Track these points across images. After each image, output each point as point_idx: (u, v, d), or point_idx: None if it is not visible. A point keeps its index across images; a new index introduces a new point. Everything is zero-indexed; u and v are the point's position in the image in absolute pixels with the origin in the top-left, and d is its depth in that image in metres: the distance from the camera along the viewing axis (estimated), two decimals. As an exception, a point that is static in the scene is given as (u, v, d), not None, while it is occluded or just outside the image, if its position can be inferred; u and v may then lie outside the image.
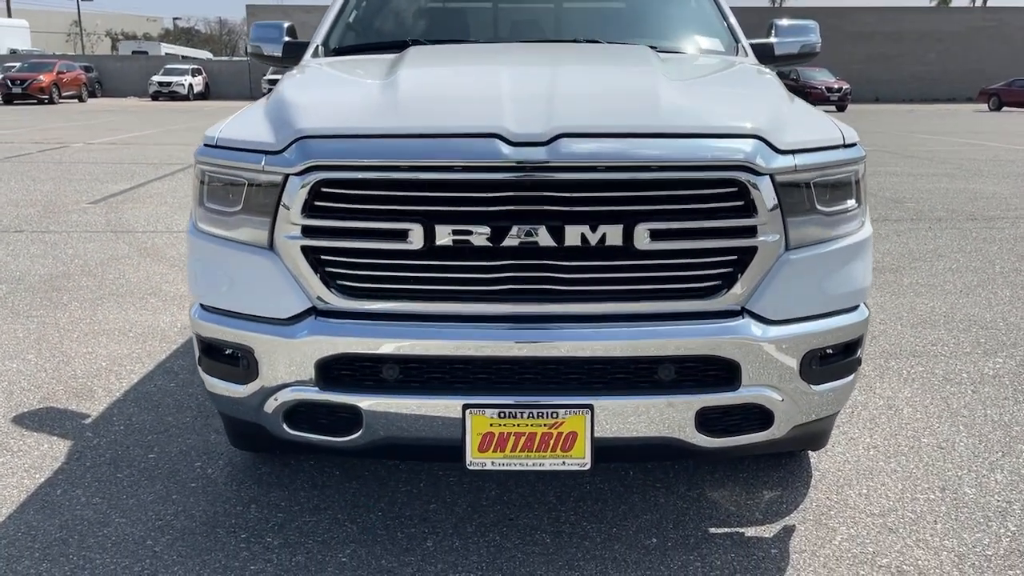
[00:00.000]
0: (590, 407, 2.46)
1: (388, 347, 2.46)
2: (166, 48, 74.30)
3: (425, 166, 2.38)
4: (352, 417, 2.54)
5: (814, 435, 2.95)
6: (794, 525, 2.96)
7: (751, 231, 2.46)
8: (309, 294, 2.51)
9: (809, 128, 2.72)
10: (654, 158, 2.39)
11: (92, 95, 43.84)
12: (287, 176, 2.46)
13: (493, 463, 2.49)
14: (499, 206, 2.38)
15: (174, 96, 44.81)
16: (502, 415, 2.46)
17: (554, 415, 2.46)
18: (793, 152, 2.52)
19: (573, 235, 2.38)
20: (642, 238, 2.40)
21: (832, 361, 2.69)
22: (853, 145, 2.72)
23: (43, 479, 3.29)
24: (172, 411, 3.94)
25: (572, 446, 2.48)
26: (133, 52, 66.88)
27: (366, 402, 2.50)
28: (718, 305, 2.50)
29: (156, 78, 45.35)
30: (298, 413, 2.60)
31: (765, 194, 2.44)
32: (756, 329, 2.50)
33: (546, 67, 2.88)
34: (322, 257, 2.49)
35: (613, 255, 2.42)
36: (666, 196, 2.41)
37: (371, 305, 2.49)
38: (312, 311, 2.52)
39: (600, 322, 2.47)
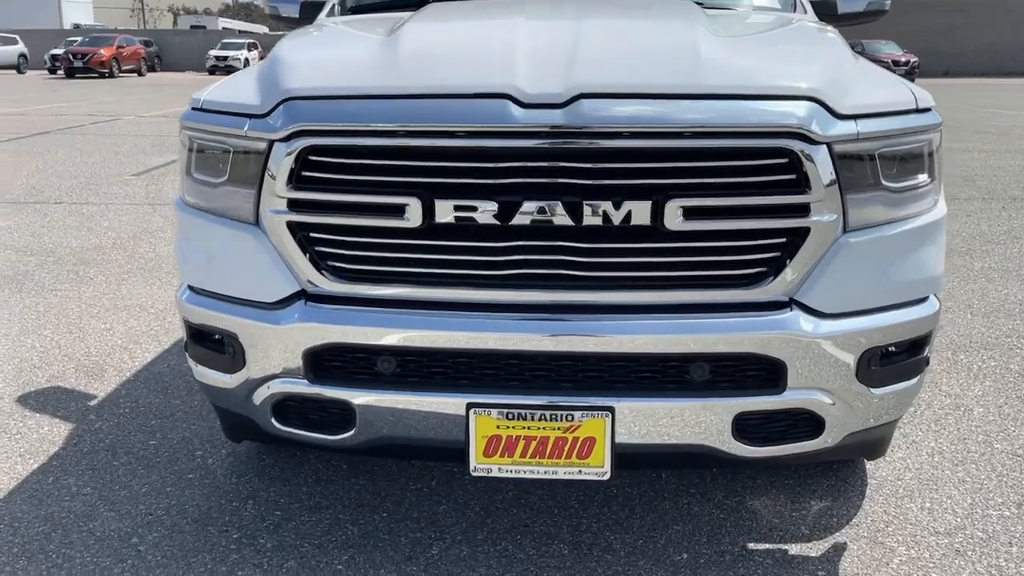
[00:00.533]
0: (611, 410, 2.15)
1: (383, 337, 2.18)
2: (223, 23, 75.02)
3: (424, 131, 2.09)
4: (345, 413, 2.27)
5: (871, 443, 2.60)
6: (845, 543, 2.62)
7: (803, 209, 2.12)
8: (298, 276, 2.23)
9: (875, 89, 2.35)
10: (689, 122, 2.05)
11: (151, 69, 44.35)
12: (272, 143, 2.18)
13: (500, 469, 2.21)
14: (508, 178, 2.07)
15: (230, 70, 45.04)
16: (510, 416, 2.16)
17: (569, 418, 2.16)
18: (856, 117, 2.16)
19: (593, 213, 2.06)
20: (674, 217, 2.07)
21: (895, 360, 2.33)
22: (927, 110, 2.34)
23: (37, 465, 3.10)
24: (181, 394, 3.73)
25: (590, 453, 2.18)
26: (191, 27, 67.67)
27: (360, 398, 2.23)
28: (763, 295, 2.17)
29: (213, 52, 45.63)
30: (287, 407, 2.34)
31: (821, 166, 2.09)
32: (806, 323, 2.16)
33: (572, 20, 2.54)
34: (311, 235, 2.21)
35: (640, 236, 2.10)
36: (703, 168, 2.08)
37: (365, 290, 2.21)
38: (301, 295, 2.25)
39: (624, 313, 2.16)
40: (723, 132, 2.06)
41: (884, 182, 2.23)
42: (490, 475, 2.21)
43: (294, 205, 2.19)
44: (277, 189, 2.18)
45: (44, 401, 3.67)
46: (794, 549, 2.59)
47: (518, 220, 2.07)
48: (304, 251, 2.21)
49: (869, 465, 3.07)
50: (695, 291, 2.15)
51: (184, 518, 2.76)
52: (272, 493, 2.91)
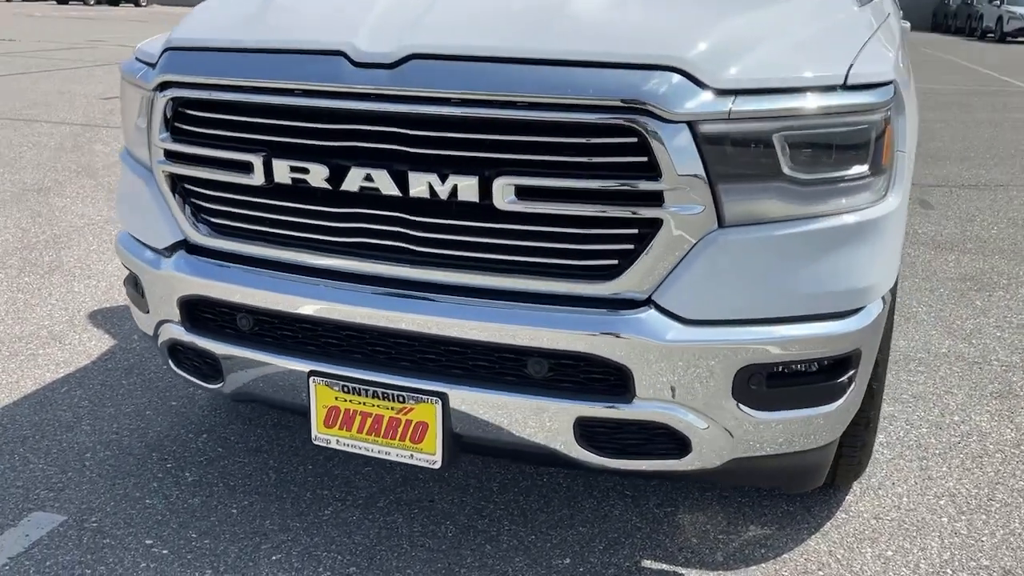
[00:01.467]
0: (443, 396, 2.02)
1: (236, 294, 2.18)
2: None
3: (266, 88, 2.04)
4: (214, 364, 2.31)
5: (790, 472, 2.25)
6: (758, 581, 2.30)
7: (656, 198, 1.84)
8: (181, 225, 2.28)
9: (797, 58, 1.97)
10: (522, 91, 1.83)
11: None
12: (153, 92, 2.22)
13: (339, 442, 2.15)
14: (339, 141, 1.98)
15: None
16: (347, 389, 2.10)
17: (401, 399, 2.06)
18: (736, 92, 1.83)
19: (419, 184, 1.92)
20: (503, 196, 1.88)
21: (796, 382, 1.99)
22: (870, 87, 1.94)
23: (62, 375, 3.44)
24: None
25: (422, 438, 2.07)
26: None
27: (221, 350, 2.25)
28: (612, 291, 1.92)
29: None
30: (178, 352, 2.41)
31: (675, 149, 1.80)
32: (662, 328, 1.89)
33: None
34: (186, 186, 2.24)
35: (470, 214, 1.93)
36: (536, 143, 1.86)
37: (228, 245, 2.21)
38: (183, 244, 2.29)
39: (464, 295, 2.00)
40: (559, 104, 1.82)
41: (787, 172, 1.88)
42: (329, 446, 2.16)
43: (170, 156, 2.22)
44: (156, 139, 2.23)
45: (107, 319, 4.04)
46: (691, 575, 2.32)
47: (347, 186, 1.97)
48: (182, 202, 2.25)
49: (851, 495, 2.67)
50: (535, 279, 1.95)
51: (140, 442, 2.95)
52: (228, 431, 3.03)
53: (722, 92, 1.82)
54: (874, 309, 2.03)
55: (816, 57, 1.99)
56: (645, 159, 1.81)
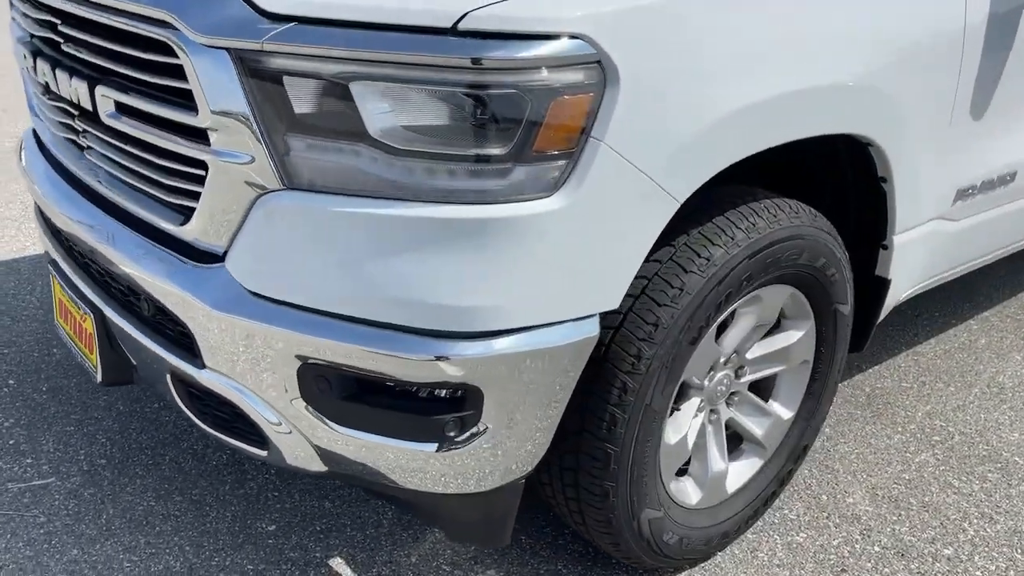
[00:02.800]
0: (97, 312, 1.93)
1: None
2: None
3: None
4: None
5: (442, 516, 1.78)
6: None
7: (200, 135, 1.53)
8: None
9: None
10: (114, -7, 1.61)
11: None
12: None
13: (64, 335, 2.18)
14: (34, 28, 1.93)
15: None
16: (61, 285, 2.10)
17: (79, 306, 2.01)
18: (292, 19, 1.42)
19: (64, 85, 1.80)
20: (104, 108, 1.70)
21: (377, 403, 1.57)
22: (512, 39, 1.39)
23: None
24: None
25: (91, 349, 2.01)
26: None
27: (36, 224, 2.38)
28: (191, 236, 1.66)
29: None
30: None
31: (205, 78, 1.47)
32: (218, 293, 1.60)
33: None
34: None
35: (96, 124, 1.77)
36: (114, 54, 1.65)
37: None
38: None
39: (106, 207, 1.87)
40: (120, 9, 1.57)
41: (374, 135, 1.43)
42: (60, 336, 2.20)
43: None
44: None
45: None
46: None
47: (40, 77, 1.92)
48: None
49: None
50: (142, 209, 1.75)
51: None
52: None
53: (273, 17, 1.42)
54: (507, 343, 1.50)
55: None
56: (186, 85, 1.50)
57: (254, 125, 1.46)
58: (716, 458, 2.05)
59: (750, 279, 1.80)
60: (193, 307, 1.61)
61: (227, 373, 1.64)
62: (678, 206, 1.59)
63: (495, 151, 1.42)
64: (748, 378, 2.07)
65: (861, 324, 2.31)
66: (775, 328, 2.09)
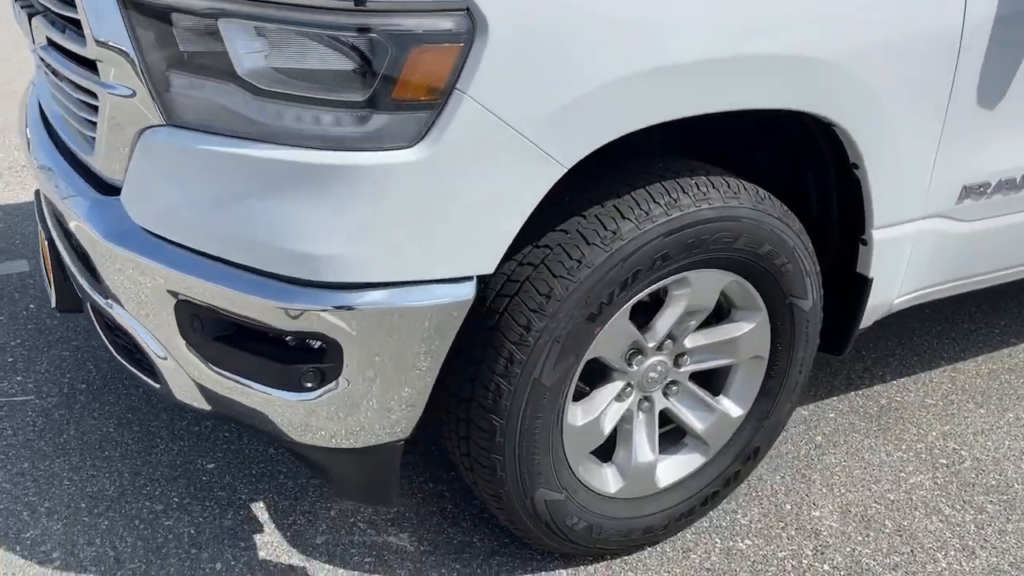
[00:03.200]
0: (51, 239, 2.02)
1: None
2: None
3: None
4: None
5: (326, 468, 1.76)
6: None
7: (90, 66, 1.57)
8: None
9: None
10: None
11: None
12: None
13: (41, 261, 2.29)
14: None
15: None
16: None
17: (41, 232, 2.11)
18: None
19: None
20: (39, 38, 1.77)
21: (242, 346, 1.58)
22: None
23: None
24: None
25: (49, 273, 2.11)
26: None
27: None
28: (96, 168, 1.71)
29: None
30: None
31: (92, 9, 1.51)
32: (108, 220, 1.64)
33: None
34: None
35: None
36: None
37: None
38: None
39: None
40: None
41: (241, 74, 1.42)
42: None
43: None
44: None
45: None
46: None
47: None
48: None
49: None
50: (70, 142, 1.81)
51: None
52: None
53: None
54: (367, 298, 1.46)
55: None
56: (76, 15, 1.53)
57: (134, 58, 1.47)
58: (644, 448, 1.94)
59: (666, 259, 1.68)
60: (90, 236, 1.66)
61: (123, 304, 1.68)
62: (563, 171, 1.50)
63: (354, 97, 1.38)
64: (689, 368, 1.95)
65: (841, 325, 2.13)
66: (725, 318, 1.95)
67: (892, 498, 2.29)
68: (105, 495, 2.10)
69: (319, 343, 1.51)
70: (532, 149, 1.45)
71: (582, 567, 1.98)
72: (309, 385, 1.54)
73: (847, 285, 2.08)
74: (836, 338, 2.16)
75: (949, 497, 2.30)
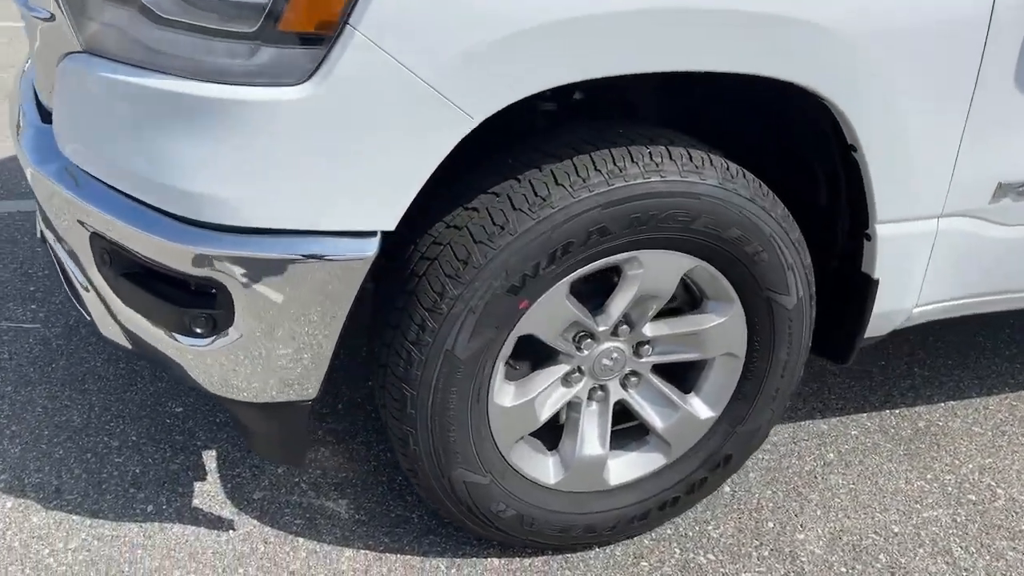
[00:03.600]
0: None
1: None
2: None
3: None
4: None
5: (240, 421, 1.69)
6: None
7: None
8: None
9: None
10: None
11: None
12: None
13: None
14: None
15: None
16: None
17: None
18: None
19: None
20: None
21: (141, 283, 1.53)
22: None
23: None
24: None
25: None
26: None
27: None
28: (40, 97, 1.70)
29: None
30: None
31: None
32: (36, 148, 1.64)
33: None
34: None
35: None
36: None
37: None
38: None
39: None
40: None
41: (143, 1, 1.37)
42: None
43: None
44: None
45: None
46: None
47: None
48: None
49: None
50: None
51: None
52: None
53: None
54: (254, 244, 1.38)
55: None
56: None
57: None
58: (592, 440, 1.79)
59: (604, 233, 1.52)
60: (24, 161, 1.66)
61: (56, 231, 1.67)
62: (474, 123, 1.37)
63: (243, 28, 1.30)
64: (651, 359, 1.77)
65: (846, 331, 1.90)
66: (696, 308, 1.77)
67: (896, 531, 2.04)
68: (70, 425, 2.13)
69: (209, 288, 1.45)
70: (435, 97, 1.33)
71: (517, 558, 1.85)
72: (199, 331, 1.48)
73: (851, 285, 1.85)
74: (839, 344, 1.93)
75: (965, 538, 2.03)
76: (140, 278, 1.53)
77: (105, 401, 2.23)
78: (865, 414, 2.45)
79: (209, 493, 1.96)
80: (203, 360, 1.52)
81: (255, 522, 1.89)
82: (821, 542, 1.98)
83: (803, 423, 2.39)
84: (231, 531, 1.86)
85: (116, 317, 1.62)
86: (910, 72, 1.57)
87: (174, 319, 1.49)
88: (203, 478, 2.00)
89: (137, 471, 2.01)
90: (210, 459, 2.06)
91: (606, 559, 1.88)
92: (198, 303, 1.48)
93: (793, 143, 1.87)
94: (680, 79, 1.51)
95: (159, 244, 1.42)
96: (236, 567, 1.77)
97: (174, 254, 1.41)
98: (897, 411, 2.47)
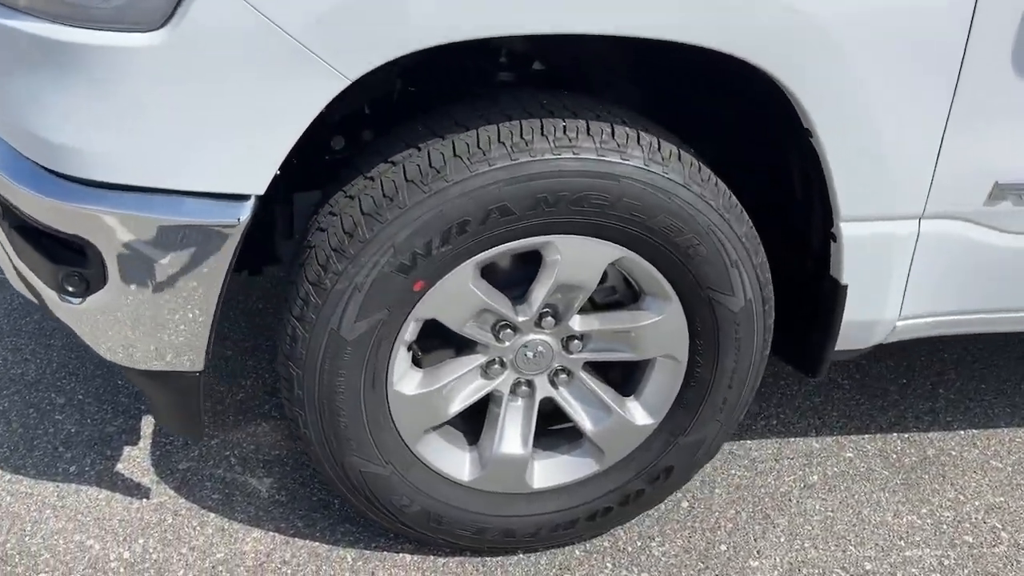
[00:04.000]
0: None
1: None
2: None
3: None
4: None
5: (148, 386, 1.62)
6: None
7: None
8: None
9: None
10: None
11: None
12: None
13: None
14: None
15: None
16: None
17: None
18: None
19: None
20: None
21: (26, 236, 1.48)
22: None
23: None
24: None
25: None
26: None
27: None
28: None
29: None
30: None
31: None
32: None
33: None
34: None
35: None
36: None
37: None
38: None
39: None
40: None
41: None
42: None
43: None
44: None
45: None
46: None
47: None
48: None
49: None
50: None
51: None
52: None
53: None
54: (116, 200, 1.31)
55: None
56: None
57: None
58: (512, 438, 1.65)
59: (505, 212, 1.38)
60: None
61: None
62: (347, 82, 1.25)
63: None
64: (582, 356, 1.62)
65: (814, 340, 1.70)
66: (633, 304, 1.61)
67: (868, 568, 1.82)
68: (24, 379, 2.13)
69: (78, 245, 1.38)
70: (300, 52, 1.22)
71: (431, 557, 1.74)
72: (71, 290, 1.42)
73: (818, 290, 1.65)
74: (808, 354, 1.73)
75: (948, 584, 1.80)
76: (28, 232, 1.48)
77: (65, 358, 2.22)
78: (867, 435, 2.22)
79: (136, 459, 1.92)
80: (80, 320, 1.46)
81: (171, 492, 1.84)
82: (775, 572, 1.79)
83: (792, 439, 2.18)
84: (144, 499, 1.81)
85: (18, 271, 1.58)
86: (873, 43, 1.36)
87: (51, 275, 1.44)
88: (135, 443, 1.96)
89: (72, 430, 1.98)
90: (147, 424, 2.02)
91: (528, 567, 1.74)
92: (70, 261, 1.42)
93: (770, 131, 1.67)
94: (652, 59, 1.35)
95: (27, 196, 1.36)
96: (137, 536, 1.72)
97: (38, 205, 1.35)
98: (906, 435, 2.23)
